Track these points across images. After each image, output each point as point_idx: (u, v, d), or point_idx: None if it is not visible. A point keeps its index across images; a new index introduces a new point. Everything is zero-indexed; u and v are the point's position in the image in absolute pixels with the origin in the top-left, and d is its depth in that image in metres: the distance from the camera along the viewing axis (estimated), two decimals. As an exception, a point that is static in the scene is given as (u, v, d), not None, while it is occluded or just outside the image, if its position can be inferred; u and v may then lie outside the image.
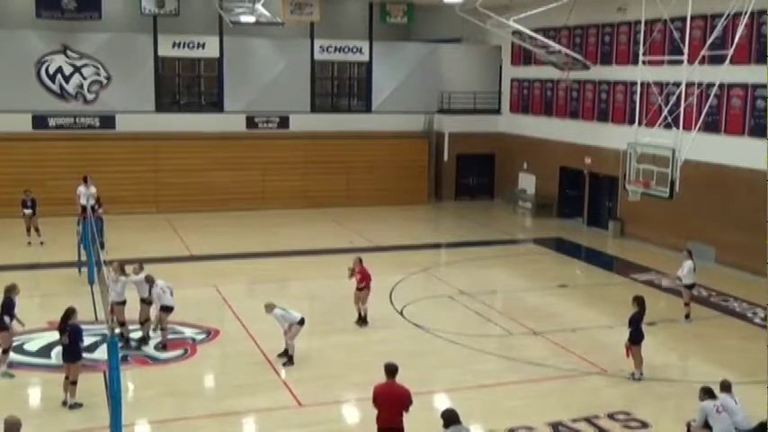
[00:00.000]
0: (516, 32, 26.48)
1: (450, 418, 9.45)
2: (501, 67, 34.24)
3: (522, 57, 31.94)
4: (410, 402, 10.52)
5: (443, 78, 33.84)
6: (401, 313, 17.48)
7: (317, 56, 32.76)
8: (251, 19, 28.88)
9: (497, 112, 34.15)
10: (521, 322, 17.46)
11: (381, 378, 10.87)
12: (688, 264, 17.67)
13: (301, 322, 14.69)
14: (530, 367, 14.68)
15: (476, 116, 33.67)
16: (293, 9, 30.78)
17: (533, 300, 19.17)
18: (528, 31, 25.64)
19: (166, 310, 15.47)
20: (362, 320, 17.02)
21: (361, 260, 17.18)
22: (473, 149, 33.28)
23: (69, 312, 12.91)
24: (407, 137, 32.95)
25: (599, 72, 27.64)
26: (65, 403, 12.67)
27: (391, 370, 10.75)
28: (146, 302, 15.79)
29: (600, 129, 27.90)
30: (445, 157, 33.34)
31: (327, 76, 33.88)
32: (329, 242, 25.34)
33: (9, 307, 14.00)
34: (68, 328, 12.76)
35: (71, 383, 12.70)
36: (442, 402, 12.74)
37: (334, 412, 13.02)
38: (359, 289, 17.06)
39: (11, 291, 14.10)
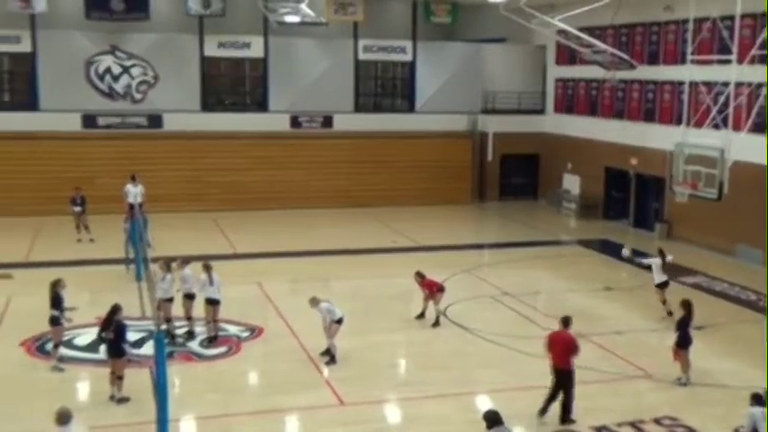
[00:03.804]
0: (561, 32, 26.23)
1: (493, 419, 9.42)
2: (545, 67, 33.98)
3: (568, 56, 31.65)
4: (577, 349, 12.42)
5: (487, 78, 33.68)
6: (444, 313, 17.44)
7: (361, 56, 32.84)
8: (295, 19, 29.05)
9: (542, 112, 33.90)
10: (564, 324, 17.28)
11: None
12: (656, 261, 17.47)
13: (340, 321, 14.75)
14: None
15: (520, 116, 33.47)
16: (337, 9, 30.92)
17: (577, 301, 19.00)
18: (573, 31, 25.39)
19: (212, 302, 15.68)
20: (435, 323, 17.01)
21: (419, 274, 17.13)
22: (517, 149, 33.08)
23: (115, 309, 13.13)
24: (451, 137, 32.87)
25: (645, 72, 27.28)
26: (112, 397, 12.89)
27: (565, 321, 12.66)
28: (190, 298, 16.00)
29: (646, 129, 27.55)
30: (489, 158, 33.18)
31: (371, 76, 33.95)
32: (372, 242, 25.40)
33: (58, 302, 14.29)
34: (114, 324, 12.97)
35: (117, 378, 12.92)
36: (484, 403, 12.69)
37: (377, 411, 13.04)
38: (430, 296, 17.07)
39: (57, 285, 14.36)
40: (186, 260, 16.36)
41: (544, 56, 33.94)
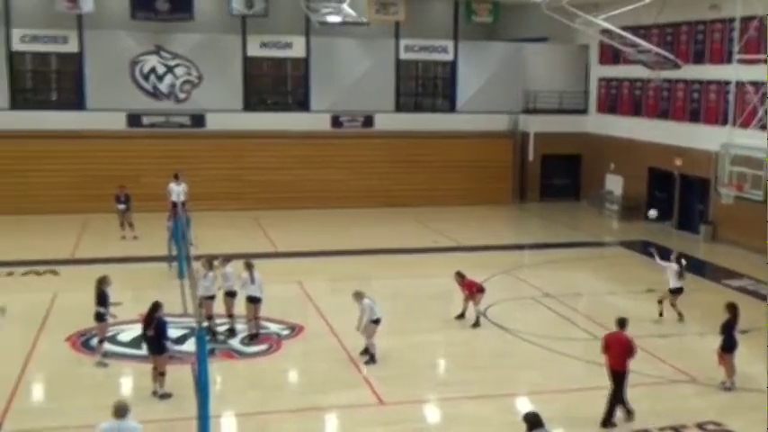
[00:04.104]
0: (605, 31, 25.99)
1: (533, 420, 9.36)
2: (588, 67, 33.67)
3: (611, 56, 31.32)
4: (634, 350, 12.39)
5: (529, 78, 33.48)
6: (484, 314, 17.38)
7: (402, 55, 32.86)
8: (337, 19, 29.17)
9: (584, 111, 33.60)
10: (606, 326, 17.08)
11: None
12: (672, 267, 17.32)
13: (377, 321, 14.76)
14: (615, 372, 14.38)
15: (561, 116, 33.22)
16: (378, 9, 30.98)
17: (619, 304, 18.77)
18: (617, 30, 25.13)
19: (254, 300, 15.83)
20: (475, 323, 16.97)
21: (459, 274, 17.11)
22: (558, 150, 32.82)
23: (156, 306, 13.30)
24: (491, 136, 32.73)
25: (690, 71, 26.89)
26: (155, 393, 13.06)
27: (621, 322, 12.62)
28: (231, 296, 16.15)
29: (691, 129, 27.15)
30: (530, 158, 32.97)
31: (412, 76, 33.95)
32: (412, 241, 25.39)
33: (103, 298, 14.51)
34: (155, 321, 13.14)
35: (159, 374, 13.09)
36: (524, 405, 12.62)
37: (416, 411, 13.03)
38: (470, 297, 17.04)
39: (102, 282, 14.59)
40: (227, 258, 16.52)
41: (587, 55, 33.63)
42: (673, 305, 17.52)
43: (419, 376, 14.32)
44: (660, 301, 17.67)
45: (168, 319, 16.67)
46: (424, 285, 20.32)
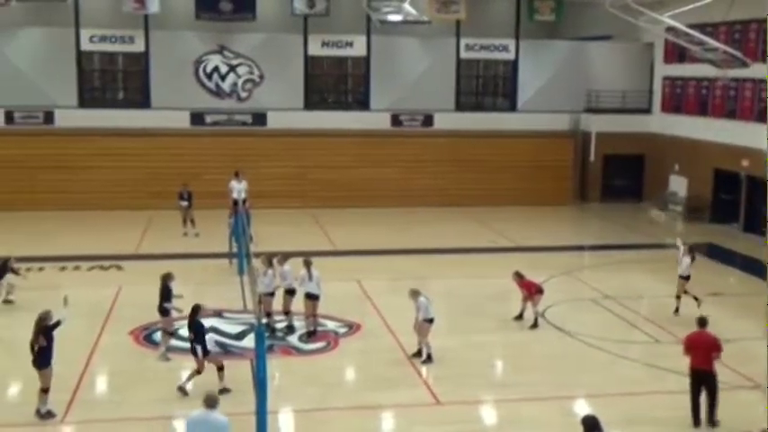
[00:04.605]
0: (670, 29, 25.47)
1: (591, 424, 9.23)
2: (653, 65, 33.07)
3: (677, 54, 30.70)
4: (720, 348, 12.16)
5: (591, 76, 33.04)
6: (543, 315, 17.21)
7: (463, 54, 32.73)
8: (398, 18, 29.20)
9: (648, 111, 33.02)
10: (668, 330, 16.84)
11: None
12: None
13: (430, 321, 14.72)
14: (677, 377, 14.01)
15: (625, 115, 32.69)
16: (440, 7, 30.90)
17: (682, 307, 18.39)
18: (683, 28, 24.60)
19: (312, 298, 15.96)
20: (533, 325, 16.84)
21: (517, 274, 16.99)
22: (621, 150, 32.31)
23: (196, 309, 13.46)
24: (552, 136, 32.39)
25: (759, 70, 26.16)
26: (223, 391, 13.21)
27: (702, 321, 12.57)
28: (290, 293, 16.29)
29: (759, 130, 26.39)
30: (591, 158, 32.54)
31: (472, 75, 33.78)
32: (470, 241, 25.28)
33: (167, 294, 14.80)
34: (194, 324, 13.32)
35: (218, 370, 13.22)
36: (582, 408, 12.47)
37: (473, 412, 12.97)
38: (529, 298, 16.94)
39: (167, 278, 14.88)
40: (286, 256, 16.64)
41: (652, 54, 33.04)
42: (684, 291, 17.97)
43: (476, 376, 14.25)
44: (678, 297, 17.95)
45: (228, 315, 17.05)
46: (483, 285, 20.20)
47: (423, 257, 23.27)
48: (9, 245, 19.72)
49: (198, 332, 13.28)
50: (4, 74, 29.58)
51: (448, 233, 26.60)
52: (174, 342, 15.26)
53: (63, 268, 21.06)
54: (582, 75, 32.96)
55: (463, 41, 32.59)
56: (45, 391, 12.18)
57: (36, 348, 12.14)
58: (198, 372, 13.23)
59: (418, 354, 14.83)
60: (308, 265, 16.02)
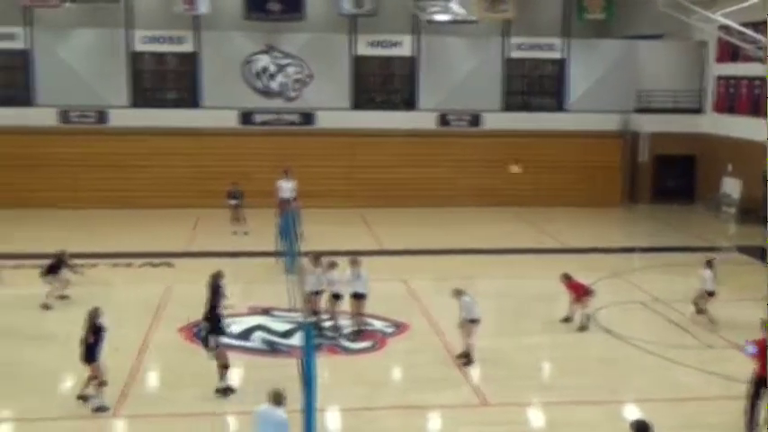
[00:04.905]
0: (723, 27, 25.03)
1: (641, 429, 9.10)
2: (705, 64, 32.49)
3: (730, 53, 30.12)
4: None
5: (641, 76, 32.56)
6: (592, 318, 17.02)
7: (511, 53, 32.55)
8: (445, 17, 29.13)
9: (699, 111, 32.45)
10: (721, 334, 16.54)
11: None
12: (708, 274, 17.02)
13: (474, 321, 14.66)
14: (730, 383, 13.77)
15: (676, 115, 32.17)
16: (488, 7, 30.72)
17: (735, 312, 18.03)
18: (736, 26, 24.18)
19: (358, 297, 16.02)
20: (582, 327, 16.69)
21: (566, 276, 16.85)
22: (672, 150, 31.81)
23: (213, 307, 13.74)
24: (601, 136, 32.01)
25: (817, 69, 25.58)
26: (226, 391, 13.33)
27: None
28: (337, 298, 16.32)
29: (816, 130, 25.81)
30: (642, 158, 32.09)
31: (520, 74, 33.53)
32: (518, 241, 25.13)
33: (218, 293, 14.96)
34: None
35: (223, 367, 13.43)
36: (632, 413, 12.30)
37: (521, 414, 12.88)
38: (577, 300, 16.80)
39: (218, 277, 15.03)
40: (333, 263, 16.51)
41: (704, 53, 32.45)
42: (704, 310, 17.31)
43: (524, 378, 14.16)
44: (697, 307, 17.44)
45: (276, 313, 17.19)
46: (530, 286, 20.07)
47: (470, 257, 23.18)
48: (66, 241, 20.06)
49: (216, 322, 13.47)
50: (59, 74, 30.23)
51: (495, 233, 26.47)
52: (223, 339, 15.40)
53: (115, 265, 21.42)
54: (632, 74, 32.51)
55: (511, 41, 32.39)
56: (95, 382, 12.47)
57: (85, 344, 12.41)
58: (224, 366, 13.36)
59: (464, 355, 14.79)
60: (355, 264, 16.07)
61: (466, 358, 14.67)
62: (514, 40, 32.43)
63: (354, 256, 16.72)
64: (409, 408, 12.91)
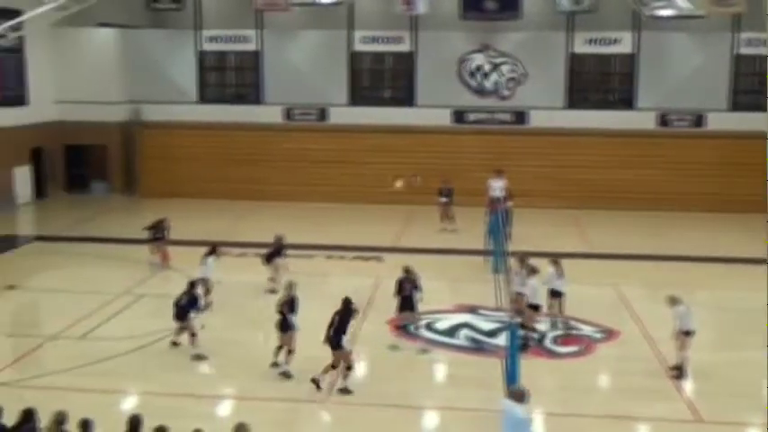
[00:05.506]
0: None
1: None
2: None
3: None
4: None
5: None
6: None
7: (741, 50, 30.55)
8: (669, 12, 27.83)
9: None
10: None
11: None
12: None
13: (688, 333, 13.85)
14: None
15: None
16: (716, 1, 28.93)
17: None
18: None
19: (556, 295, 15.93)
20: None
21: None
22: None
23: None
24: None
25: None
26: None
27: None
28: (534, 308, 16.03)
29: None
30: None
31: (750, 72, 31.30)
32: (742, 250, 23.28)
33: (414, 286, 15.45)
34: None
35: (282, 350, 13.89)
36: None
37: (738, 434, 12.12)
38: None
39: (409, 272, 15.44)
40: (533, 269, 16.00)
41: None
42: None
43: (744, 396, 13.25)
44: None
45: (482, 312, 17.23)
46: (755, 299, 18.63)
47: (687, 265, 22.01)
48: (285, 233, 21.03)
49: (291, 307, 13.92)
50: (285, 73, 32.04)
51: (716, 240, 24.93)
52: (429, 335, 15.69)
53: (330, 257, 22.34)
54: None
55: (741, 36, 30.39)
56: (284, 350, 13.71)
57: (333, 328, 13.26)
58: (289, 351, 13.79)
59: (677, 367, 14.07)
60: (556, 263, 15.90)
61: (678, 371, 13.97)
62: (746, 35, 30.38)
63: (555, 257, 16.48)
64: (616, 417, 12.50)
